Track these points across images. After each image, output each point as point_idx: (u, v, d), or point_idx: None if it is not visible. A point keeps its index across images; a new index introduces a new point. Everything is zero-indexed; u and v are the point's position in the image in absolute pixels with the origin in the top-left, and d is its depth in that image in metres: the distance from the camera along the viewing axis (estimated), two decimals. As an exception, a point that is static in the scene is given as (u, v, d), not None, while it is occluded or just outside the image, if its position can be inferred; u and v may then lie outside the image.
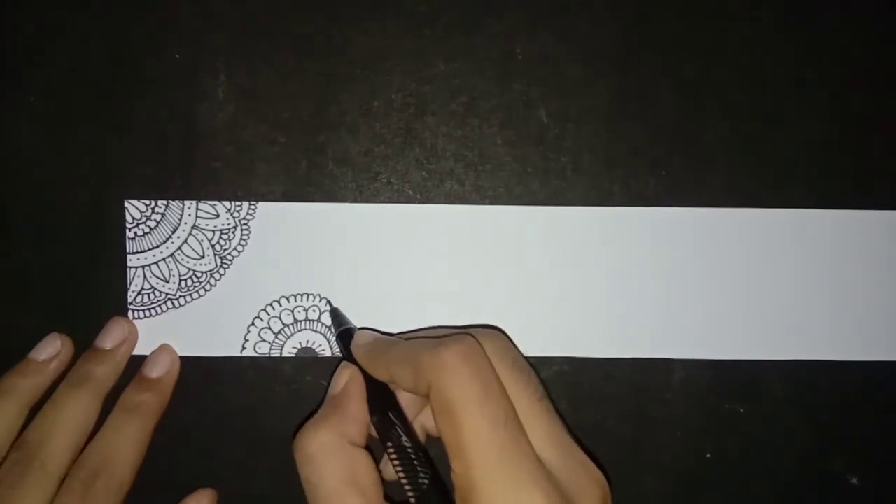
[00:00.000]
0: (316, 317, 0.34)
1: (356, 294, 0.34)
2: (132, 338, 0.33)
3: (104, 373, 0.32)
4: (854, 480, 0.35)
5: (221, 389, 0.34)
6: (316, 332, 0.34)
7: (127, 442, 0.31)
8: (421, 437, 0.30)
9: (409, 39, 0.34)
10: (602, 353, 0.34)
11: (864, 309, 0.34)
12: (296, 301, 0.34)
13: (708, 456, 0.35)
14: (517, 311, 0.34)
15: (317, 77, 0.34)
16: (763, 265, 0.34)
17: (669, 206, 0.34)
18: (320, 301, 0.34)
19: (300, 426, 0.28)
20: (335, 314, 0.33)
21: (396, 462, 0.27)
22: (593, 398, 0.35)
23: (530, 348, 0.34)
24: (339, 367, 0.30)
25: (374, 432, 0.28)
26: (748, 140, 0.34)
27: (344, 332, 0.32)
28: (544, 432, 0.26)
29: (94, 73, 0.34)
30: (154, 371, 0.33)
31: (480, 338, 0.27)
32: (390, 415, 0.28)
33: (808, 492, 0.35)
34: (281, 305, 0.34)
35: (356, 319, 0.34)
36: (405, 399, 0.29)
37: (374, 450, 0.28)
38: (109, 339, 0.33)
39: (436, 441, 0.28)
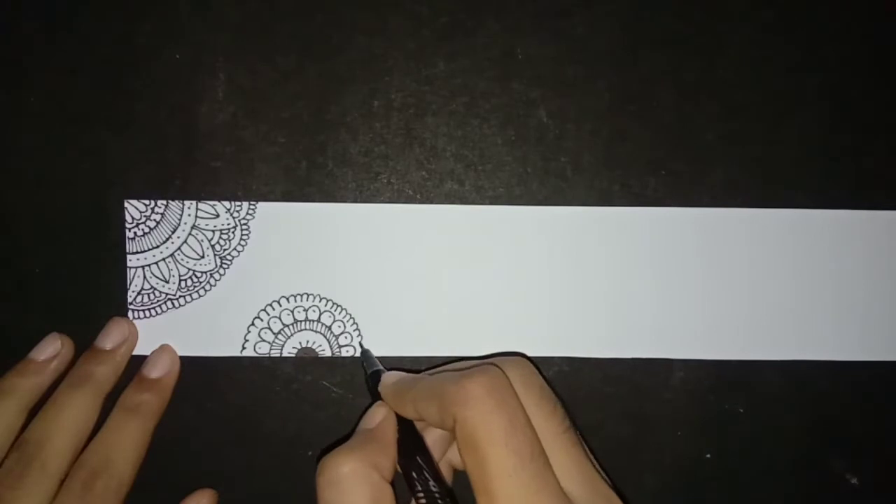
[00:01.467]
0: (316, 317, 0.34)
1: (356, 294, 0.34)
2: (132, 338, 0.33)
3: (104, 373, 0.32)
4: (854, 480, 0.35)
5: (221, 389, 0.34)
6: (316, 332, 0.34)
7: (127, 442, 0.31)
8: (447, 473, 0.30)
9: (409, 39, 0.34)
10: (602, 353, 0.34)
11: (864, 309, 0.34)
12: (296, 301, 0.34)
13: (708, 456, 0.35)
14: (517, 311, 0.34)
15: (317, 77, 0.34)
16: (763, 265, 0.34)
17: (669, 206, 0.34)
18: (320, 301, 0.34)
19: (325, 451, 0.27)
20: (366, 355, 0.33)
21: None
22: (593, 398, 0.35)
23: (530, 348, 0.34)
24: (375, 405, 0.29)
25: (399, 473, 0.28)
26: (748, 140, 0.34)
27: (374, 373, 0.31)
28: (570, 465, 0.25)
29: (94, 73, 0.34)
30: (154, 371, 0.33)
31: (505, 367, 0.27)
32: (418, 458, 0.27)
33: (808, 492, 0.35)
34: (281, 305, 0.34)
35: (356, 319, 0.34)
36: (433, 436, 0.29)
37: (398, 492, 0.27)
38: (109, 339, 0.33)
39: (463, 476, 0.28)
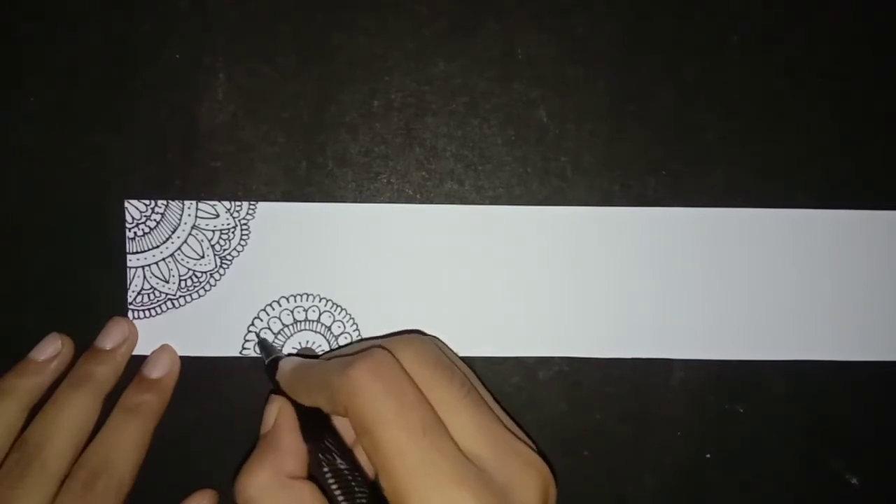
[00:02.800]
0: (316, 317, 0.34)
1: (356, 294, 0.34)
2: (132, 338, 0.33)
3: (104, 373, 0.32)
4: (854, 480, 0.35)
5: (221, 389, 0.34)
6: (316, 332, 0.34)
7: (127, 442, 0.31)
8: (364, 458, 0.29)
9: (409, 39, 0.34)
10: (602, 353, 0.34)
11: (864, 309, 0.34)
12: (296, 301, 0.34)
13: (708, 456, 0.35)
14: (517, 311, 0.34)
15: (317, 77, 0.34)
16: (763, 265, 0.34)
17: (669, 206, 0.34)
18: (320, 301, 0.34)
19: (238, 468, 0.27)
20: (263, 344, 0.33)
21: (334, 486, 0.26)
22: (593, 398, 0.35)
23: (530, 348, 0.34)
24: (268, 401, 0.29)
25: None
26: (748, 140, 0.34)
27: (272, 361, 0.31)
28: (472, 428, 0.25)
29: (94, 73, 0.34)
30: (154, 371, 0.33)
31: (397, 345, 0.27)
32: (325, 441, 0.27)
33: (808, 492, 0.35)
34: (281, 305, 0.34)
35: (356, 319, 0.34)
36: (341, 422, 0.28)
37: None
38: (109, 339, 0.33)
39: None
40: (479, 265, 0.34)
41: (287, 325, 0.34)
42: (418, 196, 0.34)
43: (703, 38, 0.34)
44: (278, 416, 0.28)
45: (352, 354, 0.26)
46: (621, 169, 0.34)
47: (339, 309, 0.34)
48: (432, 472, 0.23)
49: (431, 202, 0.34)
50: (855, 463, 0.35)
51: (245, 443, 0.34)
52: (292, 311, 0.34)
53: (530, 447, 0.26)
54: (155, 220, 0.34)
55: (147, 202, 0.34)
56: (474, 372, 0.28)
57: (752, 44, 0.34)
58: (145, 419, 0.32)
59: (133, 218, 0.34)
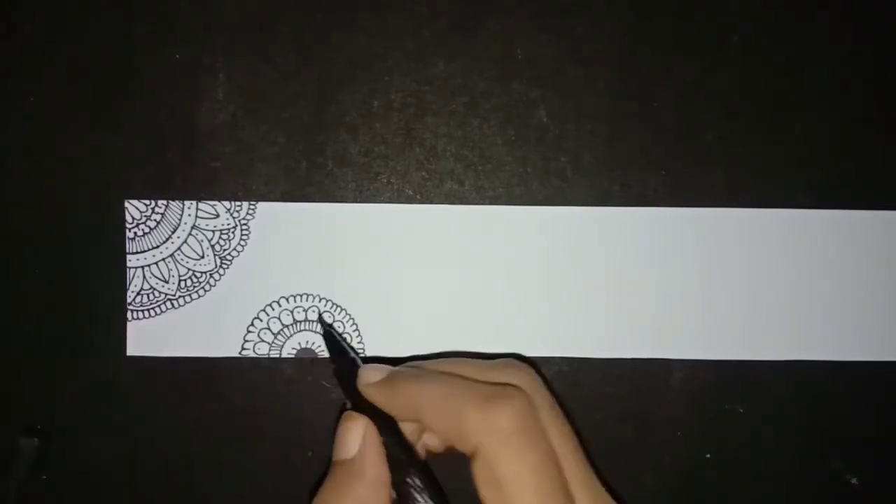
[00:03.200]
0: (315, 317, 0.34)
1: (356, 294, 0.34)
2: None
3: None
4: (854, 480, 0.35)
5: (221, 389, 0.34)
6: (315, 332, 0.34)
7: None
8: (423, 455, 0.28)
9: (409, 39, 0.34)
10: (602, 353, 0.34)
11: (864, 309, 0.34)
12: (295, 301, 0.34)
13: (708, 456, 0.35)
14: (517, 311, 0.34)
15: (317, 77, 0.34)
16: (763, 265, 0.34)
17: (669, 206, 0.34)
18: (320, 302, 0.34)
19: (313, 492, 0.25)
20: (329, 337, 0.29)
21: None
22: (593, 398, 0.35)
23: (530, 348, 0.34)
24: (346, 420, 0.26)
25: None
26: (748, 140, 0.34)
27: (343, 363, 0.28)
28: (580, 486, 0.24)
29: (94, 73, 0.34)
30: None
31: (518, 381, 0.25)
32: (413, 476, 0.25)
33: (808, 492, 0.35)
34: (280, 306, 0.34)
35: (356, 319, 0.34)
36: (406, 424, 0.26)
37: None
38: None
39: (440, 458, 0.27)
40: (479, 265, 0.34)
41: (287, 326, 0.34)
42: (418, 196, 0.34)
43: (703, 38, 0.34)
44: (364, 444, 0.25)
45: (472, 382, 0.24)
46: (621, 169, 0.34)
47: (339, 309, 0.34)
48: None
49: (431, 202, 0.34)
50: (855, 463, 0.35)
51: (245, 443, 0.34)
52: (292, 311, 0.34)
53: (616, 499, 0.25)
54: (155, 220, 0.34)
55: (147, 202, 0.34)
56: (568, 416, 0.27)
57: (752, 44, 0.34)
58: None
59: (133, 218, 0.34)
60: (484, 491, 0.23)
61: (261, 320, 0.34)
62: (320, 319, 0.32)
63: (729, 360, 0.34)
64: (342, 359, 0.29)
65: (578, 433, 0.26)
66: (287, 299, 0.34)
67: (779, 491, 0.35)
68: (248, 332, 0.34)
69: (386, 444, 0.25)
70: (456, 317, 0.34)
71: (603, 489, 0.25)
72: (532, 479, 0.22)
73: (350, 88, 0.34)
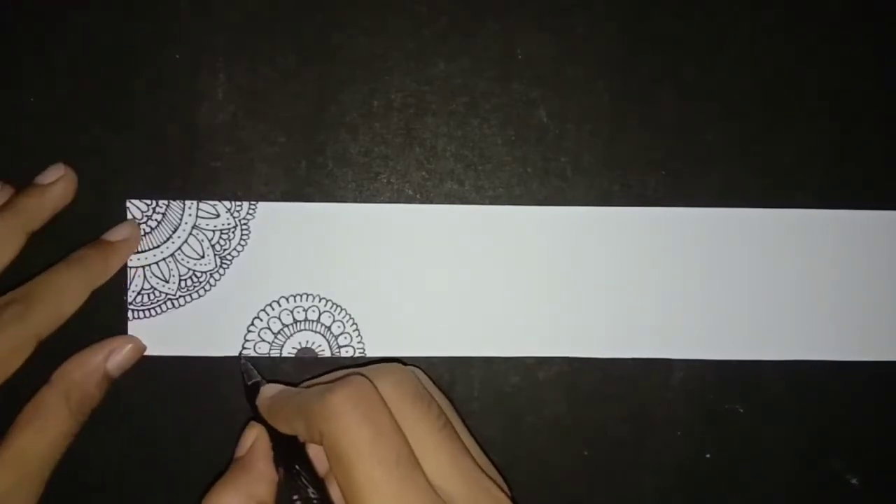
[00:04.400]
0: (315, 317, 0.34)
1: (356, 294, 0.34)
2: (69, 177, 0.33)
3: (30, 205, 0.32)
4: (854, 480, 0.35)
5: (221, 389, 0.34)
6: (315, 332, 0.34)
7: (54, 283, 0.31)
8: (336, 492, 0.30)
9: (409, 39, 0.34)
10: (602, 353, 0.34)
11: (864, 309, 0.34)
12: (295, 301, 0.34)
13: (708, 456, 0.35)
14: (517, 311, 0.34)
15: (317, 77, 0.34)
16: (763, 265, 0.34)
17: (669, 206, 0.34)
18: (320, 302, 0.34)
19: (209, 487, 0.28)
20: (245, 368, 0.32)
21: None
22: (593, 398, 0.35)
23: (530, 348, 0.34)
24: (247, 427, 0.30)
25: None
26: (748, 140, 0.34)
27: (252, 386, 0.31)
28: (446, 462, 0.25)
29: (94, 73, 0.34)
30: (111, 235, 0.33)
31: (376, 374, 0.27)
32: (297, 466, 0.28)
33: (808, 492, 0.35)
34: (280, 306, 0.34)
35: (356, 319, 0.34)
36: (314, 451, 0.28)
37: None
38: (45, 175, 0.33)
39: None
40: (479, 265, 0.34)
41: (287, 325, 0.34)
42: (418, 196, 0.34)
43: (703, 38, 0.34)
44: (255, 442, 0.29)
45: (326, 384, 0.26)
46: (621, 169, 0.34)
47: (339, 309, 0.34)
48: None
49: (431, 202, 0.34)
50: (855, 463, 0.35)
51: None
52: (292, 311, 0.34)
53: (501, 488, 0.26)
54: (156, 219, 0.34)
55: (149, 202, 0.34)
56: (453, 405, 0.29)
57: (753, 44, 0.34)
58: (86, 270, 0.32)
59: (134, 217, 0.34)
60: (332, 468, 0.25)
61: (261, 320, 0.34)
62: (240, 355, 0.34)
63: (729, 360, 0.34)
64: (253, 382, 0.31)
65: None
66: (287, 299, 0.34)
67: (779, 491, 0.35)
68: (249, 331, 0.34)
69: (278, 449, 0.29)
70: (456, 317, 0.34)
71: (474, 467, 0.26)
72: (367, 447, 0.24)
73: (350, 88, 0.34)
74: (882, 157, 0.35)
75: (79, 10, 0.34)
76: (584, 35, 0.34)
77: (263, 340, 0.34)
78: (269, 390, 0.30)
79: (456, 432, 0.27)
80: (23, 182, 0.33)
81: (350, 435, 0.24)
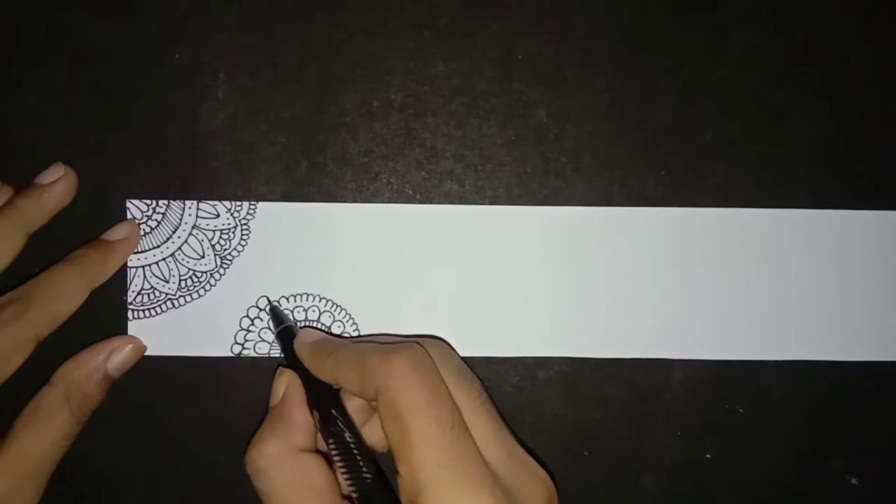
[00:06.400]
0: (316, 317, 0.34)
1: (356, 294, 0.34)
2: (70, 177, 0.33)
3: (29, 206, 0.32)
4: (854, 480, 0.35)
5: (221, 389, 0.34)
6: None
7: (54, 283, 0.31)
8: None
9: (409, 39, 0.34)
10: (602, 353, 0.34)
11: (864, 309, 0.34)
12: (296, 301, 0.34)
13: (708, 456, 0.35)
14: (517, 311, 0.34)
15: (317, 77, 0.34)
16: (763, 265, 0.34)
17: (669, 206, 0.34)
18: (320, 302, 0.34)
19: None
20: (274, 311, 0.33)
21: (338, 457, 0.27)
22: (593, 398, 0.35)
23: (530, 348, 0.34)
24: (277, 374, 0.30)
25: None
26: (748, 140, 0.34)
27: (284, 330, 0.32)
28: (489, 435, 0.26)
29: (94, 73, 0.34)
30: (110, 235, 0.33)
31: (426, 345, 0.27)
32: (333, 411, 0.28)
33: (808, 492, 0.35)
34: (281, 306, 0.34)
35: (356, 319, 0.34)
36: (351, 406, 0.29)
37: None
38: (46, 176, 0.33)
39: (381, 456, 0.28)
40: (479, 265, 0.34)
41: (287, 325, 0.34)
42: (418, 196, 0.34)
43: (703, 38, 0.34)
44: (287, 389, 0.29)
45: (382, 343, 0.27)
46: (621, 169, 0.34)
47: (339, 309, 0.34)
48: (456, 468, 0.24)
49: (431, 202, 0.34)
50: (855, 463, 0.35)
51: (245, 443, 0.34)
52: (292, 311, 0.34)
53: (536, 461, 0.27)
54: (156, 219, 0.34)
55: (149, 202, 0.34)
56: (483, 384, 0.29)
57: (752, 44, 0.34)
58: (85, 270, 0.32)
59: (134, 217, 0.34)
60: (386, 425, 0.25)
61: (261, 320, 0.34)
62: (268, 300, 0.34)
63: (729, 360, 0.34)
64: (286, 326, 0.32)
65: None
66: (287, 299, 0.34)
67: (779, 491, 0.35)
68: (249, 331, 0.34)
69: (312, 393, 0.29)
70: (456, 317, 0.34)
71: (514, 442, 0.27)
72: (426, 407, 0.25)
73: (350, 88, 0.34)
74: (882, 157, 0.35)
75: (79, 10, 0.34)
76: (584, 35, 0.34)
77: (263, 340, 0.34)
78: (308, 335, 0.30)
79: (495, 408, 0.28)
80: (23, 182, 0.33)
81: (411, 395, 0.25)
